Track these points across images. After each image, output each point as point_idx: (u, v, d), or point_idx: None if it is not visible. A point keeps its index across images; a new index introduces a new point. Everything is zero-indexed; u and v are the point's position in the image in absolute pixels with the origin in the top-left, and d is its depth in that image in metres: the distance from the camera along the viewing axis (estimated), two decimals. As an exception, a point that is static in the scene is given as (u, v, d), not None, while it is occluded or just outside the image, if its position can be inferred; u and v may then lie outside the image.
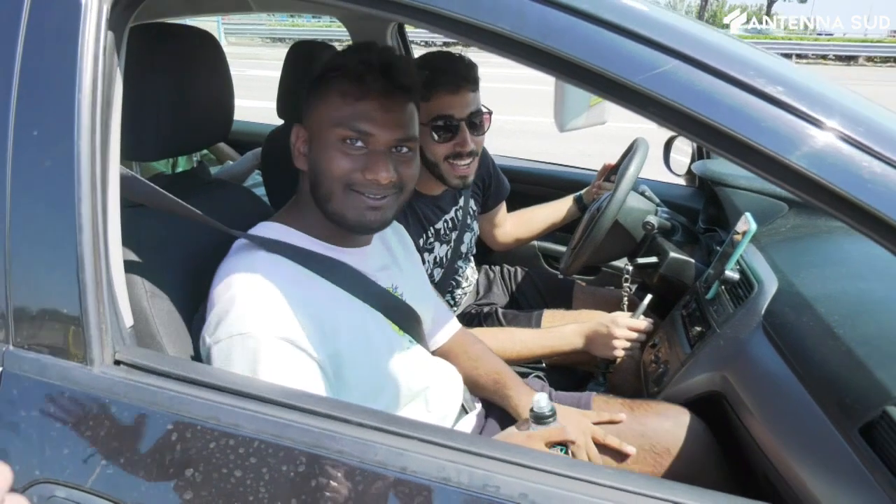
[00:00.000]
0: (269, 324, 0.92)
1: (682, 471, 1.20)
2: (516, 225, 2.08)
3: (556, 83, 0.84)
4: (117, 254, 0.88)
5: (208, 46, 1.15)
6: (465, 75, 1.48)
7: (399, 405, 1.12)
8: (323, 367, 0.95)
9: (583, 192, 2.03)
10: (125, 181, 0.93)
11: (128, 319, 0.88)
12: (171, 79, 1.06)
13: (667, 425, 1.25)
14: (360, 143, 0.99)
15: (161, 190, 0.95)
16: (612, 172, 1.95)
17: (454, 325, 1.43)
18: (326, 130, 1.00)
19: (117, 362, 0.80)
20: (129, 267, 0.98)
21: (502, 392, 1.31)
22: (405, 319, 1.16)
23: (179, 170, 1.99)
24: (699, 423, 1.26)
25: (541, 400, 1.12)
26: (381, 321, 1.10)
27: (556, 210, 2.05)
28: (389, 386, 1.08)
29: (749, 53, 0.71)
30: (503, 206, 2.04)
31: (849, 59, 27.16)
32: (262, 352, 0.89)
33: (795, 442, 1.02)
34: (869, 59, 27.46)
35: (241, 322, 0.91)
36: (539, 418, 1.12)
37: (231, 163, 2.61)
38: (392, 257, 1.23)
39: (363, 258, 1.11)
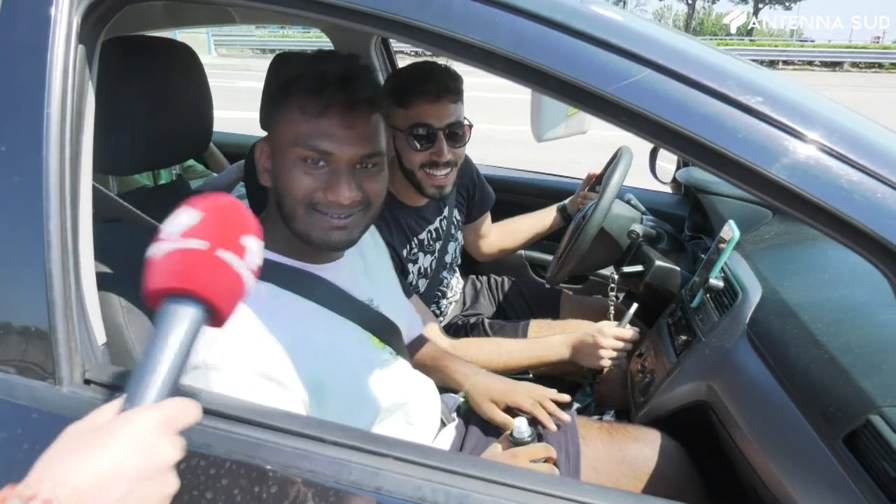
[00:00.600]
0: (242, 357, 0.88)
1: (663, 495, 1.20)
2: (500, 235, 2.08)
3: (533, 93, 0.83)
4: (89, 269, 0.86)
5: (185, 59, 1.14)
6: (447, 85, 1.47)
7: (381, 420, 1.10)
8: (303, 397, 0.92)
9: (566, 201, 2.03)
10: (98, 196, 0.91)
11: (100, 336, 0.87)
12: (147, 91, 1.05)
13: (646, 451, 1.25)
14: (321, 163, 0.94)
15: (127, 205, 0.93)
16: (596, 182, 1.95)
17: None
18: (286, 148, 0.95)
19: (87, 381, 0.79)
20: (105, 283, 0.96)
21: (441, 365, 1.37)
22: (384, 332, 1.14)
23: (162, 182, 1.97)
24: (676, 447, 1.27)
25: (521, 426, 1.12)
26: (359, 335, 1.08)
27: (540, 220, 2.05)
28: (370, 402, 1.06)
29: (724, 62, 0.70)
30: (488, 216, 2.04)
31: (834, 65, 27.48)
32: (236, 389, 0.85)
33: (780, 453, 1.01)
34: (854, 64, 27.80)
35: (212, 354, 0.87)
36: (519, 444, 1.12)
37: (215, 175, 2.59)
38: (365, 264, 1.20)
39: (337, 272, 1.08)
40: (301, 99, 0.93)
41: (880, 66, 27.44)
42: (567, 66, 0.67)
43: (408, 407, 1.17)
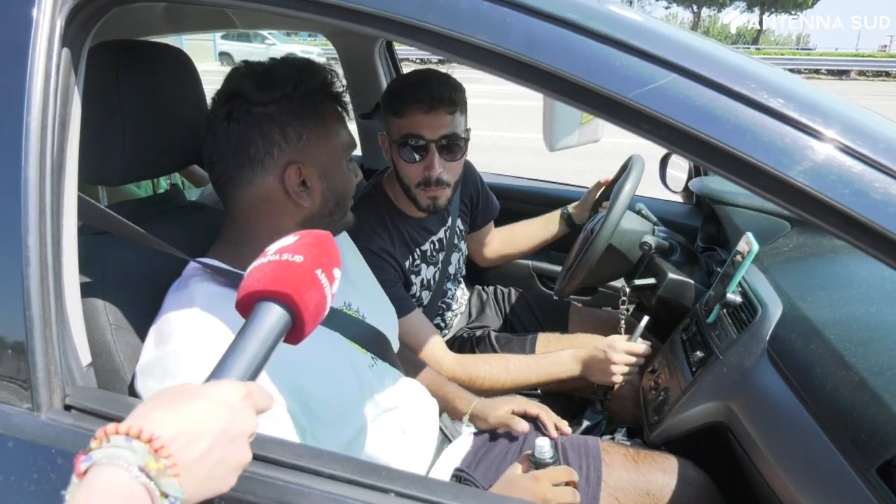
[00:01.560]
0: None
1: None
2: (502, 242, 2.01)
3: (545, 101, 0.79)
4: (73, 286, 0.81)
5: (179, 64, 1.09)
6: (442, 95, 1.39)
7: (372, 427, 1.06)
8: (288, 405, 0.89)
9: (571, 207, 1.95)
10: (85, 207, 0.86)
11: (84, 357, 0.82)
12: (138, 98, 1.00)
13: (672, 482, 1.20)
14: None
15: (118, 216, 0.88)
16: (607, 189, 1.87)
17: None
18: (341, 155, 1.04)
19: (67, 407, 0.73)
20: (92, 298, 0.92)
21: (442, 391, 1.35)
22: (365, 338, 1.10)
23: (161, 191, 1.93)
24: (705, 480, 1.22)
25: (543, 446, 1.06)
26: (340, 342, 1.04)
27: (544, 226, 1.97)
28: (358, 408, 1.03)
29: (750, 65, 0.65)
30: (492, 224, 1.97)
31: (841, 74, 27.39)
32: None
33: (806, 480, 0.95)
34: (860, 72, 27.71)
35: (185, 375, 0.83)
36: (540, 465, 1.06)
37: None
38: (344, 275, 1.16)
39: None
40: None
41: (887, 74, 27.34)
42: (583, 69, 0.62)
43: (399, 413, 1.13)
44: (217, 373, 0.55)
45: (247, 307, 0.59)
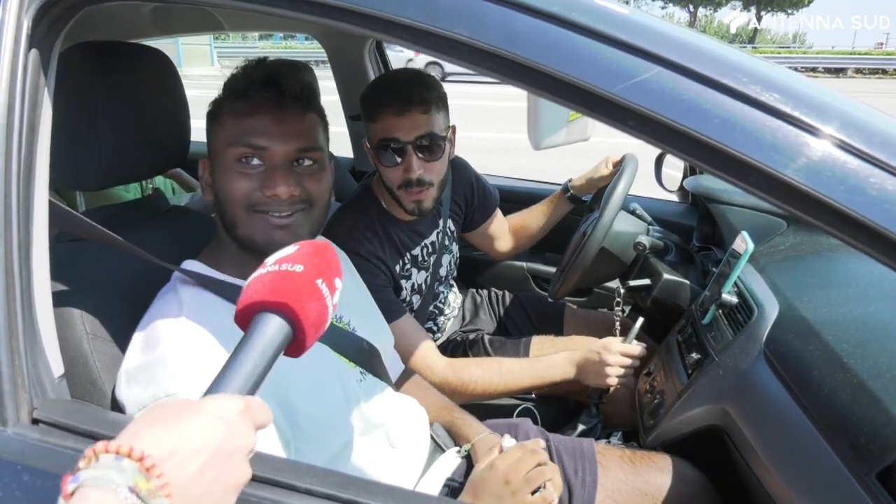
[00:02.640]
0: (201, 380, 0.81)
1: None
2: (515, 229, 1.96)
3: (529, 96, 0.76)
4: (44, 295, 0.79)
5: (159, 65, 1.06)
6: (410, 95, 1.35)
7: (360, 441, 1.04)
8: (274, 419, 0.86)
9: (574, 181, 1.87)
10: (58, 214, 0.84)
11: (56, 368, 0.79)
12: (116, 101, 0.97)
13: (670, 481, 1.18)
14: (256, 161, 0.93)
15: (91, 222, 0.85)
16: (616, 166, 1.80)
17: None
18: (222, 153, 0.94)
19: (35, 420, 0.71)
20: (68, 307, 0.89)
21: (450, 416, 1.29)
22: (355, 351, 1.08)
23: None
24: (703, 480, 1.20)
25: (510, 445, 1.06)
26: (328, 355, 1.02)
27: (550, 206, 1.91)
28: (344, 422, 1.01)
29: (741, 59, 0.63)
30: (497, 215, 1.91)
31: (837, 72, 27.41)
32: None
33: (804, 486, 0.93)
34: (857, 70, 27.74)
35: (171, 382, 0.81)
36: None
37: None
38: None
39: None
40: (233, 104, 0.94)
41: (884, 71, 27.37)
42: (565, 63, 0.60)
43: (387, 428, 1.11)
44: (214, 387, 0.53)
45: (246, 319, 0.57)
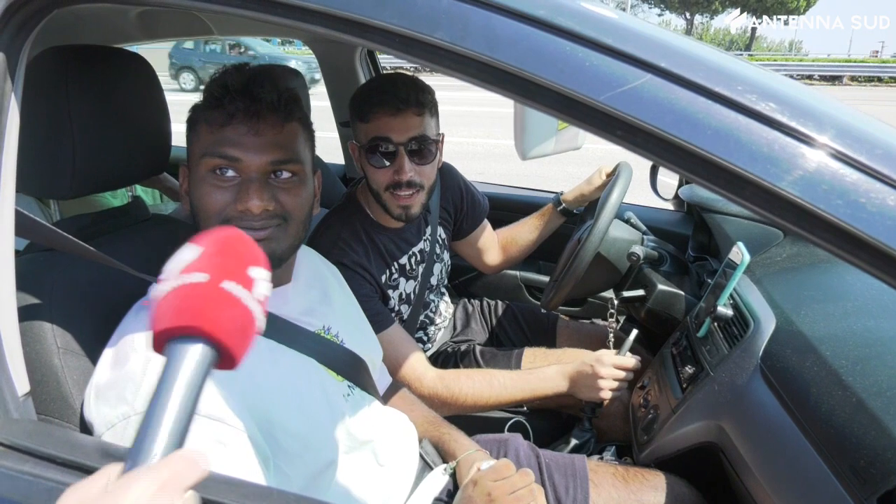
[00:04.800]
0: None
1: None
2: (504, 242, 1.91)
3: (516, 105, 0.73)
4: (7, 308, 0.75)
5: (137, 70, 1.03)
6: (407, 97, 1.33)
7: (345, 460, 1.00)
8: (250, 433, 0.82)
9: (566, 194, 1.83)
10: (24, 224, 0.80)
11: (21, 386, 0.75)
12: (90, 105, 0.94)
13: (664, 500, 1.15)
14: (231, 173, 0.90)
15: (60, 232, 0.82)
16: (609, 177, 1.76)
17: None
18: (197, 164, 0.91)
19: (-6, 443, 0.67)
20: (37, 321, 0.85)
21: (437, 431, 1.25)
22: (343, 364, 1.04)
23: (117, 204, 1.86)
24: (696, 495, 1.17)
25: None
26: (313, 368, 0.98)
27: (541, 220, 1.86)
28: (328, 440, 0.96)
29: (736, 66, 0.60)
30: (486, 226, 1.87)
31: (833, 79, 27.51)
32: None
33: (802, 508, 0.89)
34: (853, 78, 27.84)
35: (141, 399, 0.77)
36: None
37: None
38: (323, 296, 1.11)
39: (283, 300, 1.00)
40: (208, 113, 0.91)
41: (879, 79, 27.45)
42: (550, 70, 0.56)
43: (375, 446, 1.07)
44: (133, 455, 0.46)
45: (160, 348, 0.50)
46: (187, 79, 17.57)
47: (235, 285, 0.51)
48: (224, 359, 0.51)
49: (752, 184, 0.53)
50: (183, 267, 0.51)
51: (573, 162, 7.37)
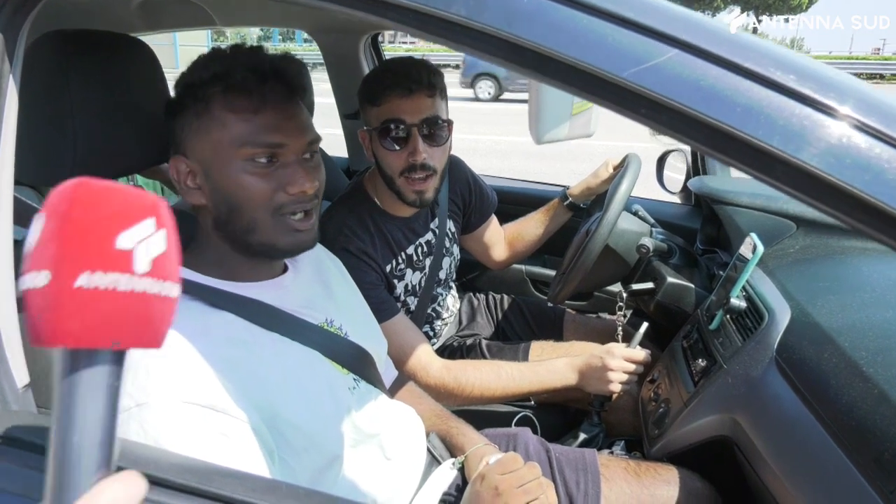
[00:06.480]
0: (173, 386, 0.75)
1: None
2: (511, 237, 1.89)
3: (531, 86, 0.71)
4: (6, 297, 0.73)
5: (140, 56, 1.01)
6: (420, 78, 1.33)
7: (350, 454, 0.98)
8: (254, 425, 0.80)
9: (573, 188, 1.80)
10: (25, 212, 0.78)
11: (20, 378, 0.73)
12: (91, 91, 0.91)
13: (677, 495, 1.13)
14: (271, 159, 0.88)
15: None
16: (617, 169, 1.73)
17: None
18: (225, 153, 0.87)
19: (-8, 437, 0.65)
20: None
21: (445, 425, 1.23)
22: (347, 357, 1.02)
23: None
24: (710, 490, 1.15)
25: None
26: (318, 360, 0.96)
27: (548, 214, 1.83)
28: (333, 433, 0.94)
29: (763, 43, 0.57)
30: (493, 221, 1.85)
31: (835, 76, 27.41)
32: (172, 424, 0.73)
33: (822, 501, 0.87)
34: (855, 75, 27.76)
35: (141, 391, 0.74)
36: None
37: None
38: (325, 288, 1.09)
39: (284, 293, 0.97)
40: (232, 99, 0.86)
41: (881, 76, 27.37)
42: (571, 46, 0.54)
43: (381, 439, 1.05)
44: (56, 499, 0.36)
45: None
46: (485, 86, 15.09)
47: (98, 274, 0.36)
48: (140, 346, 0.38)
49: (783, 162, 0.50)
50: (24, 267, 0.36)
51: (579, 160, 7.35)
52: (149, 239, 0.37)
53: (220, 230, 0.91)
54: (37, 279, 0.34)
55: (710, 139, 0.53)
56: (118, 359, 0.37)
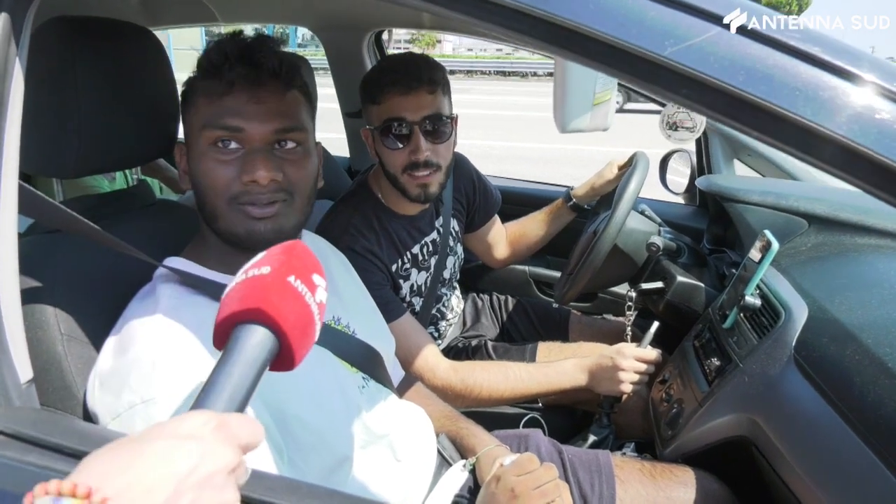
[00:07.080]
0: (181, 382, 0.73)
1: None
2: (513, 237, 1.87)
3: (557, 75, 0.70)
4: (10, 291, 0.70)
5: (146, 45, 0.98)
6: (420, 74, 1.30)
7: (359, 455, 0.95)
8: (264, 424, 0.77)
9: (576, 189, 1.78)
10: (30, 201, 0.75)
11: (24, 373, 0.70)
12: (97, 80, 0.89)
13: (694, 497, 1.11)
14: (233, 144, 0.85)
15: (69, 211, 0.77)
16: (623, 169, 1.72)
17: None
18: (196, 138, 0.86)
19: (-3, 432, 0.62)
20: (40, 305, 0.80)
21: (455, 426, 1.20)
22: (356, 355, 1.00)
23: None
24: (727, 491, 1.13)
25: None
26: (328, 359, 0.94)
27: (550, 215, 1.81)
28: (343, 433, 0.92)
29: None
30: (496, 220, 1.83)
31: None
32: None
33: (850, 501, 0.85)
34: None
35: (147, 386, 0.72)
36: None
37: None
38: (332, 287, 1.06)
39: None
40: (205, 83, 0.86)
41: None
42: (609, 23, 0.52)
43: (391, 440, 1.02)
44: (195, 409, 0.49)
45: (223, 338, 0.52)
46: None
47: (301, 283, 0.53)
48: (282, 356, 0.52)
49: (833, 143, 0.48)
50: (248, 266, 0.54)
51: (571, 163, 7.35)
52: (322, 290, 0.56)
53: (203, 218, 0.91)
54: (261, 270, 0.53)
55: (755, 120, 0.51)
56: (277, 347, 0.52)
